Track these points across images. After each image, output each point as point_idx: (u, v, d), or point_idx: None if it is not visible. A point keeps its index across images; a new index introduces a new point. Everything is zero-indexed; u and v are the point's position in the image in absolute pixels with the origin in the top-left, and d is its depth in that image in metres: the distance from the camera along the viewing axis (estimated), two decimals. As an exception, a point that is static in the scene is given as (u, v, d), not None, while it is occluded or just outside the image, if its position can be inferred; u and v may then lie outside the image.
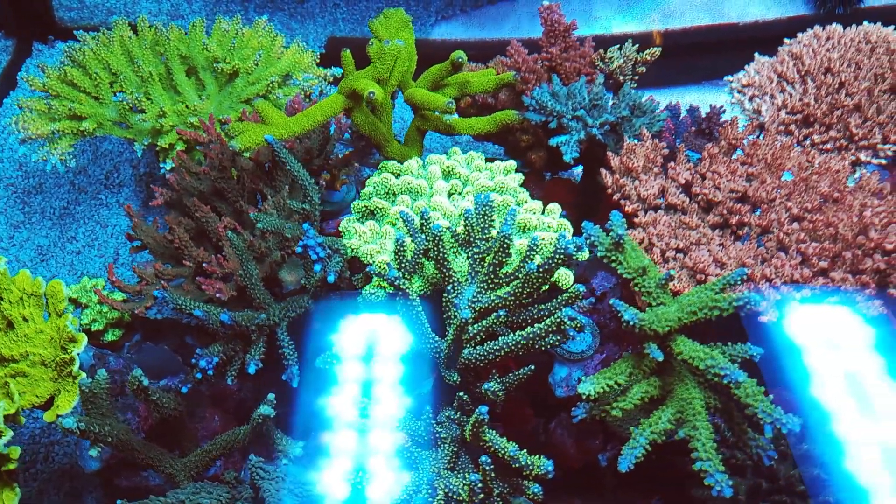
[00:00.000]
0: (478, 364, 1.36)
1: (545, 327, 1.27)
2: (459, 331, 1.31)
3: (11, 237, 2.22)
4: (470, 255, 1.42)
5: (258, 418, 1.35)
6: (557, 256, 1.31)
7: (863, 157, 1.70)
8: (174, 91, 1.98)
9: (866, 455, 1.27)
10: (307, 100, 2.05)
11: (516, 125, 1.83)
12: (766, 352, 1.49)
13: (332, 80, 2.13)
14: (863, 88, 1.76)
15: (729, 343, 1.31)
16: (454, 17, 2.69)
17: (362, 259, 1.55)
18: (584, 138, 1.73)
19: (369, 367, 1.45)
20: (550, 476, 1.21)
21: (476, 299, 1.38)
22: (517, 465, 1.23)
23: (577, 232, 1.51)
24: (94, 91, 1.89)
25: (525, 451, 1.25)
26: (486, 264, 1.39)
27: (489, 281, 1.38)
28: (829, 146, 1.75)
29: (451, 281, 1.37)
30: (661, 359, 1.20)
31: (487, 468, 1.19)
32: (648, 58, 1.92)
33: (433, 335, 1.42)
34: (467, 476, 1.21)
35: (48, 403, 1.46)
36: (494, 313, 1.30)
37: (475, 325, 1.34)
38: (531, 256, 1.35)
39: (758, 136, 1.73)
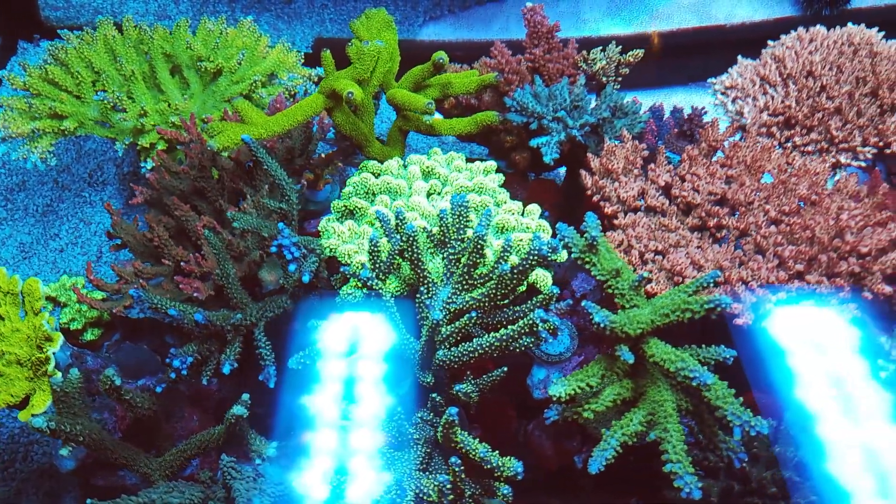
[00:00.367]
0: (452, 365, 1.35)
1: (518, 329, 1.27)
2: (432, 332, 1.31)
3: (-6, 234, 2.23)
4: (445, 255, 1.42)
5: (231, 418, 1.35)
6: (531, 258, 1.31)
7: (843, 159, 1.71)
8: (158, 90, 1.98)
9: (848, 457, 1.28)
10: (291, 99, 2.05)
11: (500, 126, 1.83)
12: (750, 353, 1.49)
13: (316, 79, 2.13)
14: (844, 91, 1.76)
15: (703, 346, 1.31)
16: (442, 17, 2.69)
17: (340, 259, 1.55)
18: (565, 139, 1.73)
19: (352, 365, 1.45)
20: (520, 477, 1.20)
21: (451, 300, 1.38)
22: (489, 466, 1.23)
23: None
24: (76, 90, 1.89)
25: (497, 452, 1.25)
26: (460, 265, 1.39)
27: (464, 282, 1.38)
28: (810, 148, 1.76)
29: (425, 282, 1.37)
30: (631, 361, 1.20)
31: (457, 469, 1.19)
32: (631, 59, 1.92)
33: (408, 336, 1.42)
34: (437, 477, 1.21)
35: (24, 403, 1.46)
36: (467, 315, 1.30)
37: (448, 327, 1.34)
38: (505, 257, 1.35)
39: (739, 139, 1.73)
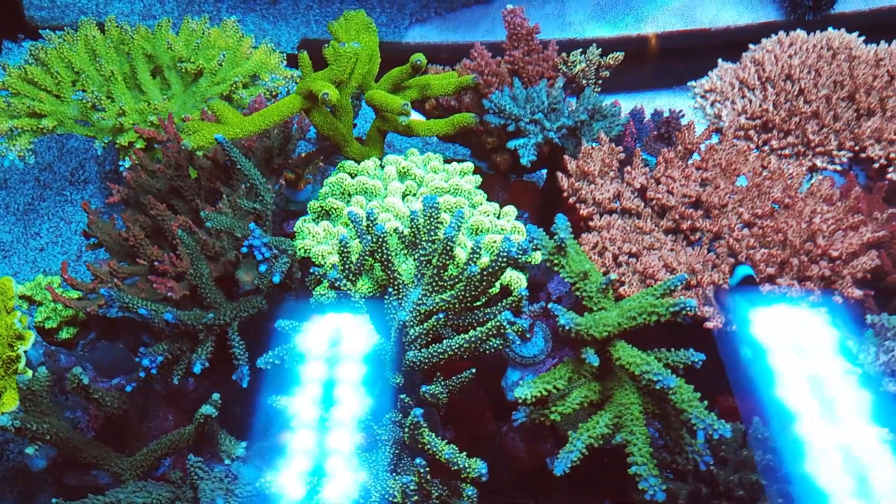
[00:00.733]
0: (423, 366, 1.35)
1: (486, 331, 1.27)
2: (400, 333, 1.31)
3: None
4: (416, 257, 1.42)
5: (200, 418, 1.35)
6: (500, 259, 1.31)
7: (819, 163, 1.71)
8: (139, 90, 1.98)
9: (827, 457, 1.28)
10: (272, 100, 2.05)
11: (480, 128, 1.83)
12: (731, 355, 1.49)
13: (299, 81, 2.13)
14: (821, 95, 1.76)
15: (672, 349, 1.31)
16: (429, 19, 2.69)
17: (314, 260, 1.55)
18: (543, 142, 1.73)
19: (326, 366, 1.45)
20: (484, 479, 1.20)
21: (421, 302, 1.38)
22: (455, 467, 1.23)
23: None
24: (56, 89, 1.89)
25: (464, 453, 1.25)
26: (431, 267, 1.39)
27: (434, 283, 1.38)
28: (786, 152, 1.76)
29: (394, 283, 1.37)
30: (596, 363, 1.20)
31: (422, 470, 1.19)
32: (612, 62, 1.93)
33: (380, 337, 1.42)
34: (401, 478, 1.21)
35: (-5, 400, 1.46)
36: (434, 316, 1.30)
37: (417, 328, 1.34)
38: (474, 259, 1.35)
39: (716, 141, 1.73)
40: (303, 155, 1.86)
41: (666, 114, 1.87)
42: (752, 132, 1.80)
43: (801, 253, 1.43)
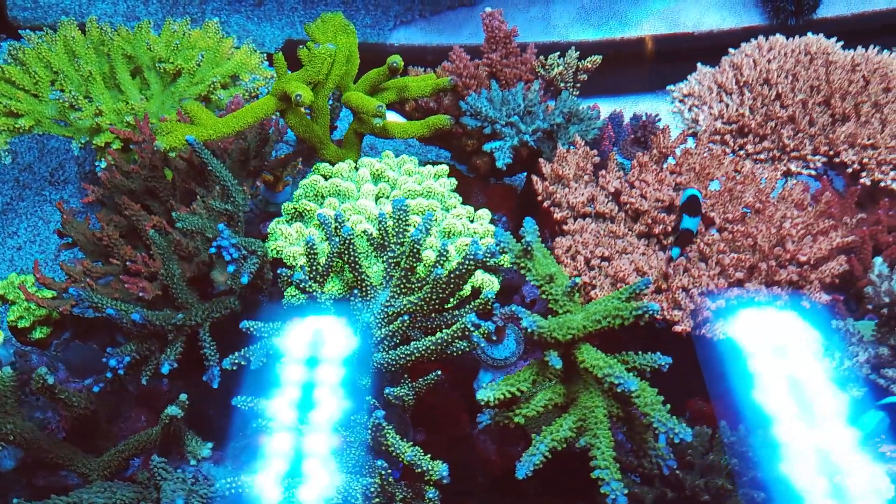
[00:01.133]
0: (390, 368, 1.35)
1: (451, 333, 1.27)
2: (365, 335, 1.31)
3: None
4: (385, 259, 1.42)
5: (165, 419, 1.34)
6: (467, 262, 1.31)
7: (794, 167, 1.71)
8: (118, 90, 1.98)
9: (802, 459, 1.28)
10: (252, 101, 2.05)
11: (459, 130, 1.83)
12: (710, 356, 1.49)
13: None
14: (798, 100, 1.76)
15: (640, 352, 1.30)
16: (413, 22, 2.69)
17: (286, 261, 1.55)
18: (518, 145, 1.73)
19: (306, 368, 1.45)
20: (446, 482, 1.20)
21: (389, 304, 1.38)
22: (419, 469, 1.23)
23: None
24: (34, 89, 1.89)
25: (428, 455, 1.24)
26: (399, 269, 1.39)
27: (402, 286, 1.38)
28: (762, 157, 1.76)
29: (361, 285, 1.37)
30: (559, 366, 1.20)
31: (384, 472, 1.19)
32: (589, 65, 1.93)
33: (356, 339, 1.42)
34: (362, 480, 1.20)
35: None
36: (399, 318, 1.30)
37: (382, 330, 1.33)
38: (442, 262, 1.35)
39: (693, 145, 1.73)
40: (281, 157, 1.86)
41: (644, 118, 1.87)
42: (728, 136, 1.80)
43: (770, 258, 1.43)
